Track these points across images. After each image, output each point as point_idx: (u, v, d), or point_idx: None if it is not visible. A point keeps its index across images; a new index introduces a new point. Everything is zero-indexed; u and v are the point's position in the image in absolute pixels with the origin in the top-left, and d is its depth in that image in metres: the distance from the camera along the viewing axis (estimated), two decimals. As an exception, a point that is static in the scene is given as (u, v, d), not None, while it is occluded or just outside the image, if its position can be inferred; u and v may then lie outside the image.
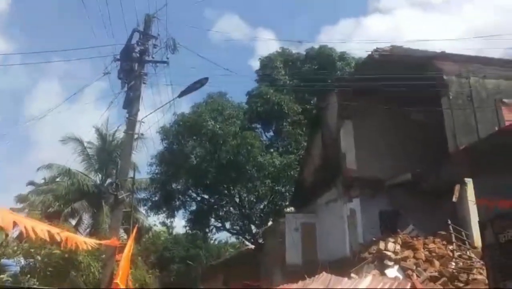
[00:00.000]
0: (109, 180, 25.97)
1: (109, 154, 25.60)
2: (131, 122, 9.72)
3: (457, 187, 14.53)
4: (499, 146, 7.09)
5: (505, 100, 15.41)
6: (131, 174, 9.69)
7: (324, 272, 13.26)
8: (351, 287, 11.55)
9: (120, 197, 8.79)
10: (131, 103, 9.86)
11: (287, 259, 18.34)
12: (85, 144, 26.85)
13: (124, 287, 8.50)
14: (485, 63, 15.70)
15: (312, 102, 25.86)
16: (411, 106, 17.06)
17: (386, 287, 11.03)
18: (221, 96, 25.89)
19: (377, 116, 17.47)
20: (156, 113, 17.65)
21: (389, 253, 13.06)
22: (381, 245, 13.54)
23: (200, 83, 10.03)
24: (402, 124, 17.24)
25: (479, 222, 7.07)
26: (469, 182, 14.60)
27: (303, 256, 18.17)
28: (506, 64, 15.95)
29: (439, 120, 15.15)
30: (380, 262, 13.17)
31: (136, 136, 9.81)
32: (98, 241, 10.02)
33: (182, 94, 10.04)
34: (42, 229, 5.86)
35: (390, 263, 12.77)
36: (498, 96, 15.48)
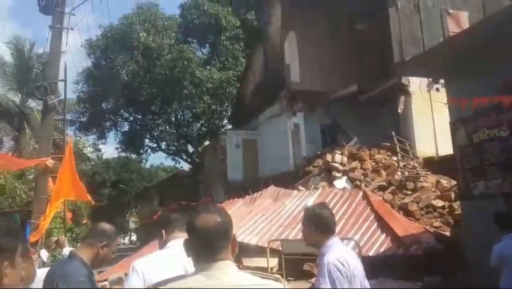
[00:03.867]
0: (29, 100, 23.74)
1: (28, 70, 23.02)
2: (58, 14, 8.18)
3: (402, 98, 14.52)
4: (467, 48, 6.67)
5: (450, 10, 15.23)
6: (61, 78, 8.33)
7: (272, 186, 13.01)
8: (301, 199, 11.37)
9: (50, 102, 7.51)
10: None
11: (229, 175, 17.99)
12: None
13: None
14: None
15: (249, 16, 24.54)
16: (358, 17, 16.54)
17: (337, 197, 10.94)
18: (151, 7, 23.67)
19: (321, 27, 16.82)
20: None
21: (336, 165, 12.95)
22: (328, 157, 13.39)
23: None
24: (347, 35, 16.75)
25: (451, 123, 6.73)
26: (414, 93, 14.72)
27: (244, 172, 17.88)
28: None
29: (384, 30, 14.77)
30: (328, 174, 13.08)
31: (64, 31, 8.29)
32: (31, 161, 8.87)
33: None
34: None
35: (338, 174, 12.69)
36: (443, 6, 15.25)
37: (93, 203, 8.24)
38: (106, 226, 2.87)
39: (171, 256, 2.39)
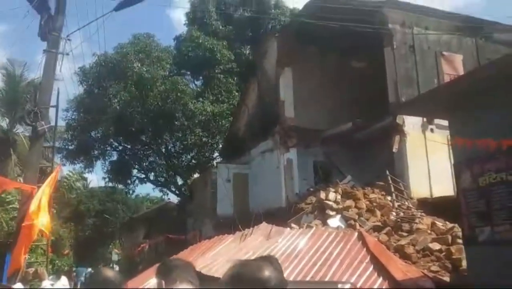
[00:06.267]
0: (17, 125, 23.31)
1: (18, 95, 22.65)
2: (54, 38, 7.98)
3: (397, 138, 14.40)
4: (467, 92, 6.58)
5: (445, 53, 15.37)
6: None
7: (263, 222, 12.62)
8: (294, 237, 11.00)
9: (40, 128, 7.22)
10: (53, 19, 8.06)
11: (218, 210, 17.56)
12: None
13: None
14: (428, 14, 15.47)
15: (244, 50, 24.75)
16: (354, 55, 16.68)
17: (331, 237, 10.60)
18: (148, 38, 23.74)
19: (317, 64, 16.98)
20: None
21: (330, 203, 12.65)
22: (322, 194, 13.09)
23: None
24: (342, 73, 16.88)
25: (455, 165, 6.53)
26: (408, 134, 14.64)
27: (235, 207, 17.46)
28: (448, 16, 15.84)
29: (380, 69, 14.82)
30: (321, 212, 12.74)
31: (60, 56, 8.06)
32: (16, 183, 8.49)
33: (120, 7, 8.37)
34: None
35: (332, 213, 12.37)
36: (438, 48, 15.40)
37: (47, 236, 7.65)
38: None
39: None
